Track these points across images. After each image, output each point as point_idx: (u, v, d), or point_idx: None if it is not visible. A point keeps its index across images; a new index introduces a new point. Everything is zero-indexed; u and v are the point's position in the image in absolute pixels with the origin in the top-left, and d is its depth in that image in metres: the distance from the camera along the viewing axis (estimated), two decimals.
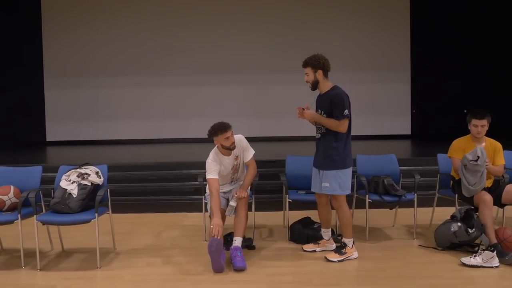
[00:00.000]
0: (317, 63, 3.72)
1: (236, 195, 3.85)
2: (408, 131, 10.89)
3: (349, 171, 3.79)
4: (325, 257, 3.80)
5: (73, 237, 4.46)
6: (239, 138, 4.00)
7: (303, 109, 3.79)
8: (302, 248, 4.05)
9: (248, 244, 4.11)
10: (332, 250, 3.86)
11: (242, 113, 10.57)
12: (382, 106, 10.78)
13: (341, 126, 3.65)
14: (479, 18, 10.33)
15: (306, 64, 3.78)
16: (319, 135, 3.83)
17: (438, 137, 8.36)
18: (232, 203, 3.85)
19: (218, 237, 3.53)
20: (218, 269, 3.55)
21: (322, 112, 3.76)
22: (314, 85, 3.80)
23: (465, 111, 9.61)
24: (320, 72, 3.73)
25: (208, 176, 3.85)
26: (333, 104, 3.66)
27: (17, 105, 10.31)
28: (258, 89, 10.72)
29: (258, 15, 10.59)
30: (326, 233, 4.04)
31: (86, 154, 8.58)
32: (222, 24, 10.56)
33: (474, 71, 10.38)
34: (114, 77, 10.65)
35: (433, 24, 10.59)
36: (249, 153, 4.04)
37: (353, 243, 3.86)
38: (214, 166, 3.87)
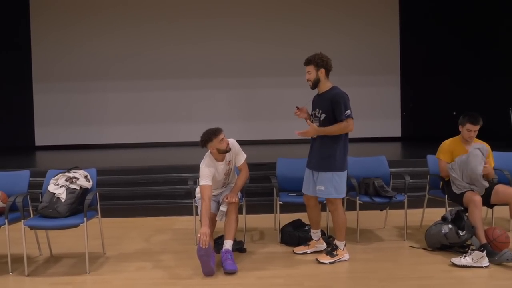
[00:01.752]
0: (321, 61, 3.69)
1: (226, 200, 3.83)
2: (398, 134, 10.95)
3: (344, 174, 3.76)
4: (316, 259, 3.78)
5: (62, 242, 4.40)
6: (231, 143, 3.95)
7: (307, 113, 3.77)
8: (293, 251, 4.03)
9: (239, 247, 4.09)
10: (323, 252, 3.85)
11: (233, 116, 10.55)
12: (373, 109, 10.82)
13: (348, 127, 3.60)
14: (469, 22, 10.43)
15: (309, 62, 3.73)
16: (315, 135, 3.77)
17: (428, 139, 8.40)
18: (223, 208, 3.82)
19: (205, 247, 3.46)
20: (208, 273, 3.53)
21: (320, 111, 3.70)
22: (315, 84, 3.74)
23: (454, 113, 9.69)
24: (322, 70, 3.70)
25: (201, 183, 3.79)
26: (334, 104, 3.61)
27: (5, 109, 10.19)
28: (249, 93, 10.71)
29: (248, 20, 10.58)
30: (315, 233, 4.03)
31: (76, 159, 8.50)
32: (213, 29, 10.53)
33: (463, 74, 10.47)
34: (103, 81, 10.58)
35: (422, 27, 10.67)
36: (241, 157, 4.02)
37: (345, 245, 3.85)
38: (208, 172, 3.80)
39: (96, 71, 10.55)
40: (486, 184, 3.98)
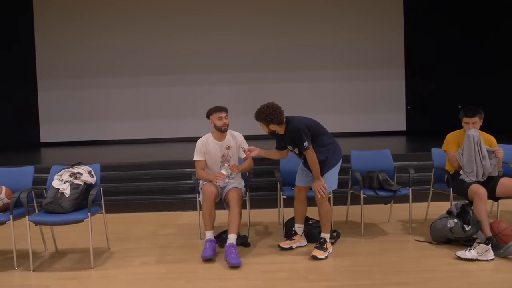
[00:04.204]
0: (266, 120, 3.73)
1: (227, 165, 4.02)
2: (403, 127, 10.90)
3: (337, 167, 3.90)
4: (314, 256, 3.74)
5: (67, 238, 4.42)
6: (238, 134, 4.23)
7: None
8: (279, 245, 4.01)
9: (243, 241, 4.09)
10: (316, 248, 3.83)
11: (238, 112, 10.35)
12: (377, 102, 10.78)
13: (312, 156, 3.72)
14: (475, 14, 10.34)
15: (256, 119, 3.81)
16: (303, 161, 3.91)
17: (432, 133, 8.36)
18: (224, 171, 3.96)
19: (221, 183, 3.95)
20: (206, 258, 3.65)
21: (294, 147, 3.84)
22: (272, 134, 3.86)
23: (459, 106, 9.63)
24: (272, 125, 3.76)
25: (194, 158, 4.16)
26: (294, 141, 3.76)
27: (10, 106, 10.23)
28: (253, 88, 10.65)
29: (252, 14, 10.54)
30: (300, 228, 4.07)
31: (81, 155, 8.52)
32: (216, 24, 10.49)
33: (469, 66, 10.38)
34: (108, 78, 10.59)
35: (427, 20, 10.58)
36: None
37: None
38: (199, 148, 4.14)
39: (100, 67, 10.57)
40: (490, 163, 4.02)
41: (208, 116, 4.13)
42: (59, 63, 10.49)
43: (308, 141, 3.68)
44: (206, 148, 4.12)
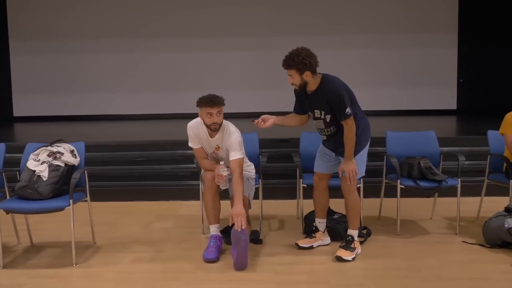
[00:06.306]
0: (302, 65, 3.64)
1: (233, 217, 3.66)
2: (453, 106, 10.77)
3: (366, 149, 3.89)
4: (338, 257, 3.74)
5: (44, 229, 4.51)
6: (231, 132, 3.95)
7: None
8: (296, 244, 4.02)
9: (254, 238, 4.13)
10: (341, 247, 3.83)
11: (250, 84, 10.52)
12: (422, 74, 10.65)
13: (351, 128, 3.65)
14: None
15: (288, 66, 3.70)
16: (325, 137, 3.87)
17: (490, 112, 8.24)
18: (223, 172, 3.80)
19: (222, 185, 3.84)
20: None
21: (323, 112, 3.75)
22: (302, 87, 3.75)
23: None
24: (307, 73, 3.67)
25: (189, 144, 4.07)
26: (331, 105, 3.66)
27: None
28: (268, 56, 10.50)
29: None
30: (321, 224, 4.08)
31: (62, 132, 8.65)
32: None
33: None
34: (97, 40, 10.62)
35: None
36: (234, 154, 3.88)
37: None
38: (192, 134, 4.03)
39: (88, 28, 10.58)
40: None
41: (198, 106, 3.87)
42: (36, 21, 10.53)
43: (350, 107, 3.61)
44: (200, 139, 4.00)
